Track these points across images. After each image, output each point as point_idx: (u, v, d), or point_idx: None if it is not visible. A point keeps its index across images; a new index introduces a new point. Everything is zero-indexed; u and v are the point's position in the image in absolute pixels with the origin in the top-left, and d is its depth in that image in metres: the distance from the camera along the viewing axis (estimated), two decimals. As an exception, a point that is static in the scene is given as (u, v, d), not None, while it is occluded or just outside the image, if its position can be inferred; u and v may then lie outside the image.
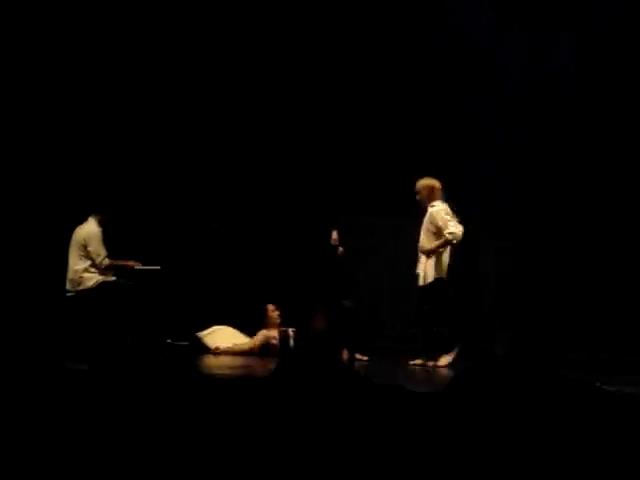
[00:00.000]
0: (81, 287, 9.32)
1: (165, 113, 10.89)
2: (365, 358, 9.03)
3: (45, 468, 3.01)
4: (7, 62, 10.47)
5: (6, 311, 9.65)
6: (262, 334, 9.65)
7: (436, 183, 8.84)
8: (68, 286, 9.38)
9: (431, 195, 8.80)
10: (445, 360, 8.57)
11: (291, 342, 9.47)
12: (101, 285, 9.33)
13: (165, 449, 3.04)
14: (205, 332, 9.81)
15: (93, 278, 9.33)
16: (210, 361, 9.01)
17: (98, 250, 9.31)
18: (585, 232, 9.49)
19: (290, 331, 9.57)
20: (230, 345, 9.67)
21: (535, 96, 9.86)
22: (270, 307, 9.74)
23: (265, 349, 9.53)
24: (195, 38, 10.87)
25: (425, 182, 8.86)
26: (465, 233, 8.74)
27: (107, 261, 9.37)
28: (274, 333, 9.61)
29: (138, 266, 9.60)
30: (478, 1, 10.15)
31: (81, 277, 9.32)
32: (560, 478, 2.42)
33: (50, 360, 6.85)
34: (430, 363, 8.59)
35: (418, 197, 8.86)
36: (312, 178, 10.55)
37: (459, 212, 9.31)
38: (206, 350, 9.63)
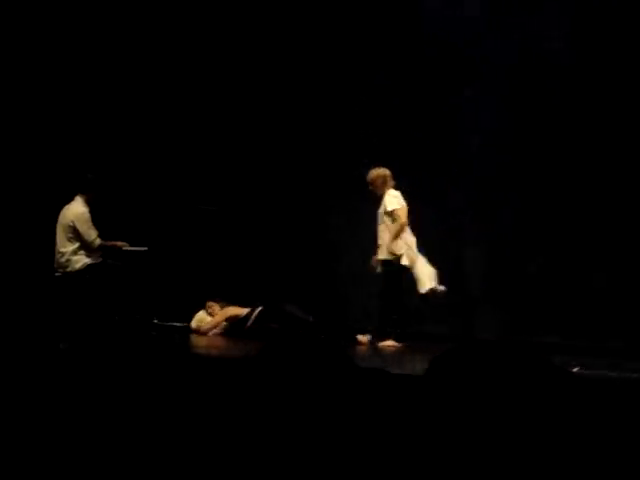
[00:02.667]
0: (68, 269, 9.27)
1: (158, 90, 10.86)
2: (366, 339, 9.04)
3: (38, 449, 3.04)
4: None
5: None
6: (224, 312, 9.70)
7: (387, 172, 9.08)
8: (56, 266, 9.32)
9: (384, 184, 9.03)
10: (389, 344, 8.76)
11: (251, 320, 9.50)
12: (88, 267, 9.29)
13: (152, 428, 3.06)
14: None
15: (81, 260, 9.28)
16: (196, 341, 9.07)
17: (89, 232, 9.24)
18: (574, 213, 9.50)
19: (256, 310, 9.57)
20: (196, 325, 9.75)
21: (526, 84, 9.83)
22: (209, 304, 9.80)
23: (231, 326, 9.60)
24: (189, 26, 10.85)
25: (377, 172, 9.08)
26: (452, 216, 8.88)
27: (99, 241, 9.31)
28: (237, 311, 9.66)
29: (126, 247, 9.58)
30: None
31: (68, 260, 9.27)
32: (542, 465, 2.46)
33: (42, 341, 6.85)
34: (377, 342, 8.82)
35: (371, 187, 9.10)
36: (303, 161, 10.54)
37: (444, 195, 9.42)
38: (191, 331, 9.70)
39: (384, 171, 9.10)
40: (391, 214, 8.95)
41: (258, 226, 10.67)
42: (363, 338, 9.02)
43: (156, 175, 10.79)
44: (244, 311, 9.62)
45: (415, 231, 9.09)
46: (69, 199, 9.45)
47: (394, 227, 8.90)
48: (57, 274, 9.35)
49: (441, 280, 8.97)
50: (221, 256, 10.38)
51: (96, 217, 9.39)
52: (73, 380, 3.22)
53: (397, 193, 9.06)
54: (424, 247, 9.12)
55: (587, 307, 9.30)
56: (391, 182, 9.09)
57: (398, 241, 8.89)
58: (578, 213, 9.45)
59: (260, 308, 9.53)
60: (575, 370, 5.70)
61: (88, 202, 9.38)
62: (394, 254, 8.90)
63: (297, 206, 10.52)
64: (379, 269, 9.07)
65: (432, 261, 9.08)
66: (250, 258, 10.51)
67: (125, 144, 10.77)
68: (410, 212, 9.03)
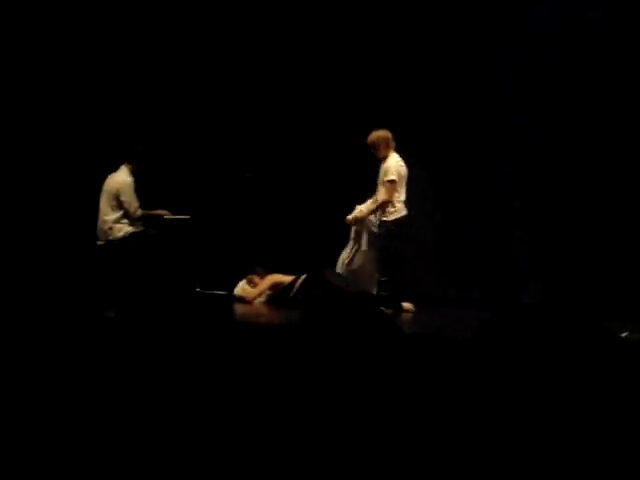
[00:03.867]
0: (110, 237, 9.35)
1: (198, 65, 10.88)
2: (412, 307, 8.98)
3: (76, 417, 3.05)
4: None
5: (37, 260, 9.71)
6: (269, 280, 9.69)
7: (389, 134, 8.93)
8: (99, 234, 9.41)
9: (387, 146, 8.90)
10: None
11: (295, 288, 9.49)
12: (131, 236, 9.36)
13: (200, 396, 3.06)
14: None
15: (122, 229, 9.35)
16: (239, 309, 9.08)
17: (131, 201, 9.31)
18: (619, 185, 9.37)
19: (301, 278, 9.55)
20: (239, 293, 9.75)
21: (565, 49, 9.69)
22: (249, 277, 9.78)
23: (275, 294, 9.60)
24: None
25: (379, 134, 8.94)
26: (498, 182, 8.80)
27: (140, 212, 9.39)
28: (281, 279, 9.64)
29: (168, 215, 9.62)
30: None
31: (111, 228, 9.34)
32: (587, 432, 2.42)
33: (85, 309, 6.90)
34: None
35: (373, 150, 8.95)
36: (344, 130, 10.47)
37: (490, 164, 9.33)
38: (236, 299, 9.70)
39: (385, 133, 8.92)
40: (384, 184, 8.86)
41: (300, 193, 10.64)
42: (408, 305, 8.96)
43: (197, 144, 10.80)
44: (288, 279, 9.62)
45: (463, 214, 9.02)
46: (115, 168, 9.50)
47: (381, 197, 8.84)
48: (100, 242, 9.41)
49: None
50: (263, 223, 10.37)
51: (140, 186, 9.43)
52: (119, 348, 3.22)
53: (398, 159, 8.91)
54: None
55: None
56: (392, 143, 8.92)
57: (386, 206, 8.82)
58: (624, 190, 9.31)
59: (304, 276, 9.52)
60: (624, 335, 5.63)
61: (133, 172, 9.44)
62: (384, 216, 8.86)
63: (341, 172, 10.44)
64: (374, 229, 9.01)
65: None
66: (293, 225, 10.48)
67: (167, 115, 10.79)
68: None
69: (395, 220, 8.82)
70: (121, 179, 9.38)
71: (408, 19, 10.33)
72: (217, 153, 10.74)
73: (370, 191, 9.12)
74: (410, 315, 8.74)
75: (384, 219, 8.86)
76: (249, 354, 3.18)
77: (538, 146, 9.71)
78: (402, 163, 8.91)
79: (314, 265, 9.61)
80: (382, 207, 8.83)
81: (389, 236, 8.82)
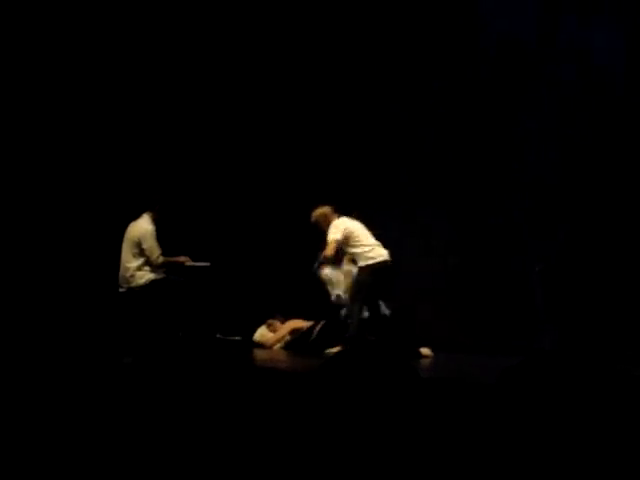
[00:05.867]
0: (132, 284, 9.42)
1: (216, 112, 10.98)
2: (429, 352, 8.99)
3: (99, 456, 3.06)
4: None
5: (60, 306, 9.76)
6: (288, 325, 9.70)
7: (326, 209, 9.31)
8: (120, 281, 9.48)
9: (327, 221, 9.24)
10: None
11: (314, 334, 9.51)
12: (152, 283, 9.43)
13: (218, 442, 3.07)
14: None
15: (144, 276, 9.42)
16: (258, 355, 9.08)
17: (153, 248, 9.39)
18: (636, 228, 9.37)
19: (320, 324, 9.57)
20: (259, 339, 9.75)
21: (582, 94, 9.74)
22: (269, 321, 9.80)
23: (294, 340, 9.60)
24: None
25: (316, 212, 9.33)
26: (510, 226, 8.83)
27: (162, 259, 9.46)
28: (300, 325, 9.65)
29: (188, 262, 9.67)
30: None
31: (132, 275, 9.41)
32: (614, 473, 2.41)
33: (106, 355, 6.92)
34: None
35: (319, 228, 9.29)
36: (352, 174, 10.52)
37: (506, 203, 9.30)
38: (256, 345, 9.71)
39: (323, 209, 9.32)
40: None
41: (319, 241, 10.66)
42: (426, 351, 8.96)
43: (217, 192, 10.86)
44: (307, 324, 9.62)
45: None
46: (136, 216, 9.59)
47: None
48: (121, 289, 9.47)
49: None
50: (282, 270, 10.40)
51: (161, 234, 9.51)
52: (137, 395, 3.23)
53: (338, 222, 9.20)
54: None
55: None
56: (333, 216, 9.27)
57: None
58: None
59: (323, 322, 9.52)
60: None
61: (154, 220, 9.53)
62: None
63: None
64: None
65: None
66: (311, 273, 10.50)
67: (188, 164, 10.88)
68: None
69: (370, 266, 9.00)
70: (143, 227, 9.47)
71: (432, 60, 10.40)
72: (237, 201, 10.80)
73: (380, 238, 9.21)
74: (428, 360, 8.73)
75: (361, 265, 9.08)
76: (268, 400, 3.19)
77: (554, 191, 9.75)
78: (344, 222, 9.17)
79: (333, 311, 9.63)
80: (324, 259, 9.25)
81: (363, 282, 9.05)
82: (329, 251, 9.10)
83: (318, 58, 10.81)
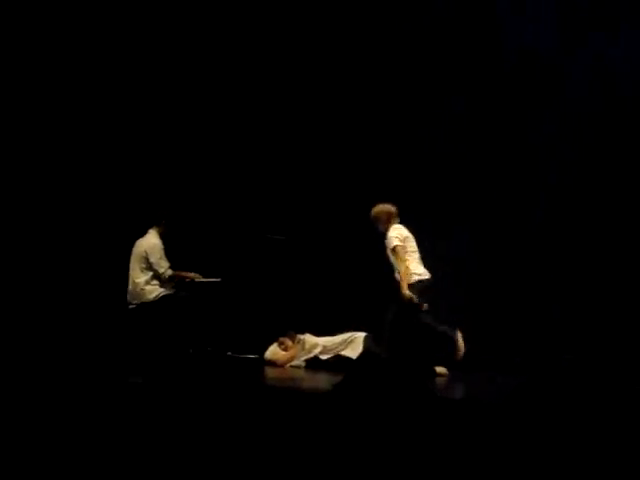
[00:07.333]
0: (142, 300, 9.37)
1: (227, 125, 10.94)
2: (445, 372, 8.87)
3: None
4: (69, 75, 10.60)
5: (69, 323, 9.74)
6: (301, 343, 9.63)
7: (391, 208, 8.99)
8: (129, 298, 9.44)
9: (388, 221, 8.94)
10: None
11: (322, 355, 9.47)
12: (162, 298, 9.38)
13: (222, 462, 3.00)
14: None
15: (154, 291, 9.38)
16: (270, 373, 9.00)
17: (160, 262, 9.35)
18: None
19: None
20: (270, 357, 9.67)
21: (599, 109, 9.68)
22: (281, 339, 9.71)
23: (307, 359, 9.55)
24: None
25: (380, 208, 8.99)
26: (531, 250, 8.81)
27: (170, 272, 9.41)
28: (313, 341, 9.59)
29: (198, 278, 9.62)
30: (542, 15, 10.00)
31: (142, 290, 9.37)
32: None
33: (113, 374, 6.87)
34: None
35: (375, 224, 8.99)
36: (371, 189, 10.45)
37: (522, 218, 9.35)
38: (266, 363, 9.63)
39: (387, 207, 9.00)
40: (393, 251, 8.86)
41: (331, 255, 10.58)
42: (442, 370, 8.85)
43: (228, 207, 10.81)
44: (320, 341, 9.55)
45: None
46: (143, 232, 9.56)
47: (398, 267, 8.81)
48: (131, 306, 9.43)
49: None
50: (294, 286, 10.32)
51: (170, 249, 9.47)
52: (146, 413, 3.16)
53: (398, 226, 8.94)
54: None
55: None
56: (395, 219, 8.98)
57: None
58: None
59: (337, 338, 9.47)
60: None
61: (161, 235, 9.49)
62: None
63: (367, 233, 10.42)
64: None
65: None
66: (325, 287, 10.42)
67: (197, 179, 10.84)
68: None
69: (418, 282, 8.78)
70: (150, 241, 9.45)
71: (453, 73, 10.34)
72: (247, 215, 10.74)
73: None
74: (444, 379, 8.62)
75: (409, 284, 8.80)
76: (280, 419, 3.12)
77: (572, 208, 9.68)
78: (403, 229, 8.91)
79: (347, 327, 9.55)
80: (406, 273, 8.75)
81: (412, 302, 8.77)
82: (402, 258, 8.75)
83: (342, 72, 10.72)
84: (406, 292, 8.69)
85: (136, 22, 10.85)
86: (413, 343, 8.81)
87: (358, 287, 10.20)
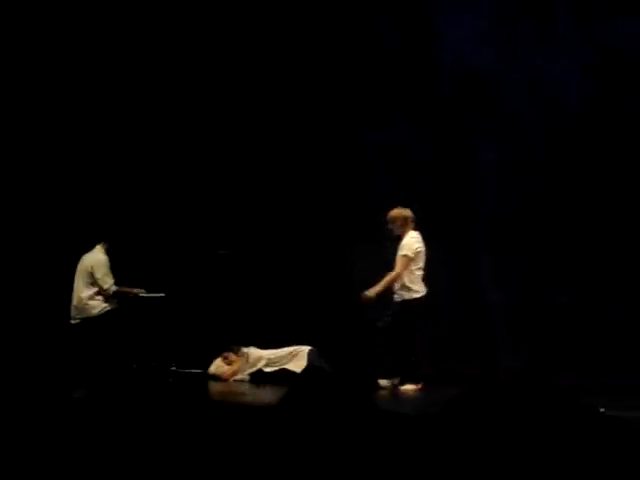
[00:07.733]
0: (86, 315, 9.34)
1: (171, 139, 10.88)
2: (388, 383, 8.91)
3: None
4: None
5: (11, 338, 9.65)
6: (245, 356, 9.65)
7: (409, 213, 9.01)
8: (73, 313, 9.40)
9: (404, 224, 8.97)
10: (410, 387, 8.74)
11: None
12: (106, 313, 9.37)
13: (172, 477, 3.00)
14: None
15: (98, 306, 9.37)
16: (214, 388, 8.99)
17: (105, 278, 9.35)
18: (599, 255, 9.48)
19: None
20: (215, 372, 9.68)
21: (541, 122, 9.84)
22: (225, 354, 9.73)
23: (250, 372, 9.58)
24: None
25: (398, 211, 9.01)
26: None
27: (114, 288, 9.40)
28: (257, 355, 9.62)
29: (142, 293, 9.60)
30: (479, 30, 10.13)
31: (86, 304, 9.35)
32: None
33: (55, 389, 6.82)
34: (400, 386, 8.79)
35: (390, 226, 9.02)
36: (326, 203, 10.47)
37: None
38: (210, 377, 9.62)
39: (405, 211, 9.00)
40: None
41: (278, 270, 10.59)
42: (385, 382, 8.90)
43: (171, 222, 10.76)
44: (265, 354, 9.57)
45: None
46: (89, 248, 9.55)
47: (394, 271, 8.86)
48: (75, 321, 9.38)
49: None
50: (239, 301, 10.31)
51: (115, 265, 9.47)
52: (88, 429, 3.16)
53: (415, 235, 8.97)
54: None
55: (610, 346, 9.21)
56: (411, 224, 9.00)
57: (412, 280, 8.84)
58: (600, 252, 9.42)
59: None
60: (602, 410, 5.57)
61: (107, 251, 9.50)
62: (410, 293, 8.84)
63: (320, 249, 10.43)
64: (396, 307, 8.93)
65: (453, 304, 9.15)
66: (271, 302, 10.42)
67: (141, 193, 10.77)
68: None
69: (415, 300, 8.83)
70: (95, 257, 9.44)
71: (392, 89, 10.40)
72: (190, 231, 10.71)
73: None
74: (386, 392, 8.69)
75: (406, 299, 8.84)
76: (225, 434, 3.13)
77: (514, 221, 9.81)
78: (420, 240, 8.94)
79: (292, 340, 9.57)
80: (393, 280, 8.81)
81: (408, 316, 8.83)
82: (400, 268, 8.80)
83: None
84: (373, 294, 8.81)
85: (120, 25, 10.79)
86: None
87: (302, 301, 10.22)
